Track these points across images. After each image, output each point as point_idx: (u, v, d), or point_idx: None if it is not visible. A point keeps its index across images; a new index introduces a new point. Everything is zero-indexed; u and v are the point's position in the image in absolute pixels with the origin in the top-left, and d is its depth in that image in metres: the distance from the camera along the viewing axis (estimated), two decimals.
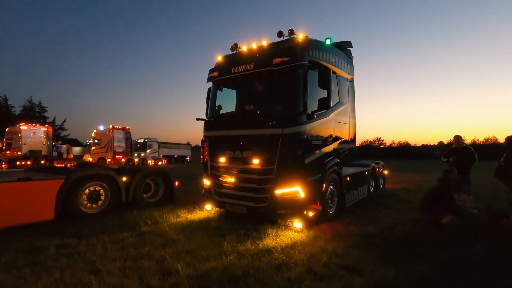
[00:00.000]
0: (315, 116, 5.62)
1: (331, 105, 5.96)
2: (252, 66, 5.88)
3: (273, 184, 5.51)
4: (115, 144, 25.40)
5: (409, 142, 58.63)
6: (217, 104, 6.82)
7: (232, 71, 6.20)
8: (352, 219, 6.29)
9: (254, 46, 6.31)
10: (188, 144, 42.12)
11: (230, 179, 6.07)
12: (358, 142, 8.56)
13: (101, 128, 26.11)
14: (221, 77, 6.42)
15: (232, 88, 6.90)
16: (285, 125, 5.38)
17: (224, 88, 6.91)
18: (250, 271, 3.64)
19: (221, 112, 6.77)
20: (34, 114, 45.02)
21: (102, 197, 6.53)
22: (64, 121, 52.16)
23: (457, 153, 7.43)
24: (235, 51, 6.68)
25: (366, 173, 8.85)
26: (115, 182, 6.69)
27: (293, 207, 5.42)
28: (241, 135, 5.92)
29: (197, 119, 6.84)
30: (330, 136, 6.29)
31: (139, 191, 7.19)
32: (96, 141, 25.98)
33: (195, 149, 46.57)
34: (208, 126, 6.67)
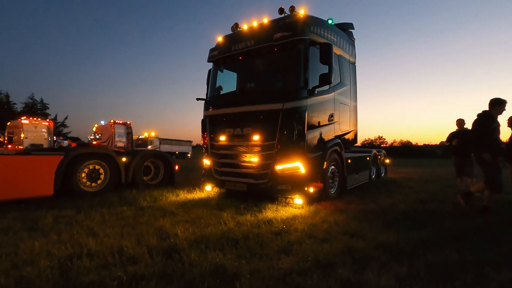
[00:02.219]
0: (316, 92, 5.56)
1: (332, 83, 5.90)
2: (253, 42, 5.83)
3: (274, 160, 5.45)
4: (116, 139, 25.30)
5: (410, 141, 58.35)
6: (217, 85, 6.79)
7: (233, 49, 6.16)
8: (354, 198, 6.22)
9: (255, 24, 6.26)
10: (189, 141, 42.10)
11: (230, 157, 6.02)
12: (359, 141, 8.50)
13: (102, 123, 26.10)
14: (221, 55, 6.38)
15: (232, 68, 6.86)
16: (286, 100, 5.33)
17: (224, 71, 6.87)
18: (250, 235, 3.59)
19: (221, 93, 6.74)
20: (36, 111, 45.00)
21: (102, 176, 6.50)
22: (66, 118, 52.14)
23: (460, 136, 7.35)
24: (235, 31, 6.63)
25: (368, 158, 8.79)
26: (114, 162, 6.65)
27: (294, 183, 5.36)
28: (241, 112, 5.86)
29: (197, 99, 6.80)
30: (332, 115, 6.23)
31: (138, 172, 7.15)
32: (97, 136, 25.95)
33: (196, 148, 46.56)
34: (208, 105, 6.62)
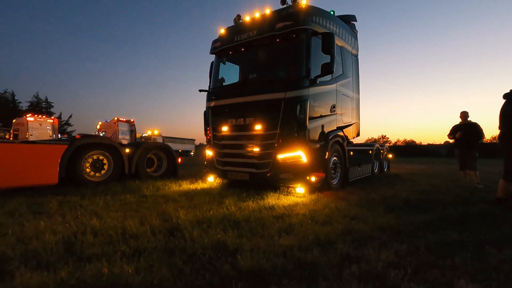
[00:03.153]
0: (318, 82, 5.57)
1: (334, 74, 5.93)
2: (255, 33, 5.87)
3: (276, 150, 5.48)
4: (120, 136, 25.43)
5: (414, 140, 58.05)
6: (219, 77, 6.83)
7: (235, 40, 6.20)
8: (356, 189, 6.21)
9: (257, 15, 6.28)
10: (192, 139, 42.30)
11: (233, 147, 6.06)
12: (362, 140, 8.49)
13: (106, 120, 26.27)
14: (224, 47, 6.42)
15: (234, 59, 6.87)
16: (288, 89, 5.35)
17: (226, 63, 6.89)
18: (251, 218, 3.62)
19: (224, 84, 6.78)
20: (40, 109, 45.44)
21: (105, 167, 6.57)
22: (70, 116, 52.52)
23: (464, 129, 7.31)
24: (238, 22, 6.66)
25: (370, 152, 8.78)
26: (118, 152, 6.72)
27: (296, 172, 5.37)
28: (244, 102, 5.89)
29: (200, 91, 6.84)
30: (334, 106, 6.24)
31: (142, 163, 7.21)
32: (101, 133, 26.11)
33: (199, 147, 46.76)
34: (210, 97, 6.66)
